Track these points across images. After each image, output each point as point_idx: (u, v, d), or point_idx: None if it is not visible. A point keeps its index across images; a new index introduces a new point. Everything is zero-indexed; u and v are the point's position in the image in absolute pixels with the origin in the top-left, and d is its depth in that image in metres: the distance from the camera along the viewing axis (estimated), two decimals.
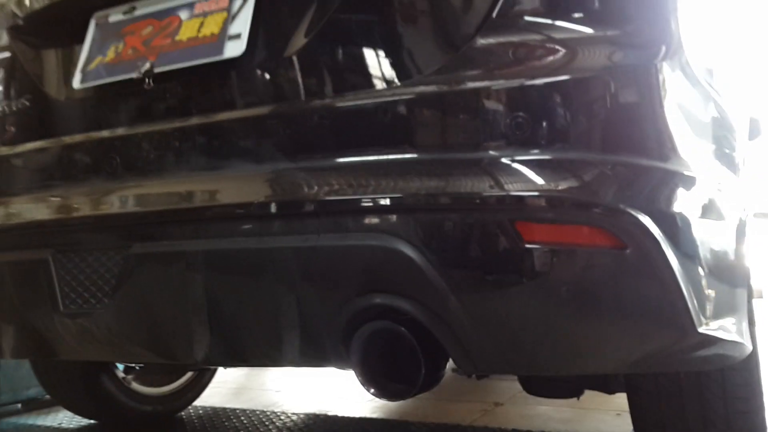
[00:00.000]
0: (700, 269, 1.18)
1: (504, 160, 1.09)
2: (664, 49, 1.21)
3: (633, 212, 1.08)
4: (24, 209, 1.43)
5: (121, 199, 1.30)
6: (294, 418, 2.49)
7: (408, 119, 1.15)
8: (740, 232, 1.36)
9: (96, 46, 1.55)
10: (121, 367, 2.38)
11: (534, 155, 1.09)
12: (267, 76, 1.32)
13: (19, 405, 2.69)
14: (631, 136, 1.14)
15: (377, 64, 1.23)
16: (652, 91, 1.18)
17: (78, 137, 1.46)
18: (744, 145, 1.51)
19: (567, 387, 1.74)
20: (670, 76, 1.21)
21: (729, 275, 1.27)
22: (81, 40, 1.57)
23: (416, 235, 1.07)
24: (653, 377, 1.47)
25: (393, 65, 1.21)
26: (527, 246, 1.05)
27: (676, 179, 1.18)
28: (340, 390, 3.13)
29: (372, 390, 1.13)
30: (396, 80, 1.19)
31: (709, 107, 1.36)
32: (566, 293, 1.08)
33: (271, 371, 3.70)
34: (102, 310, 1.31)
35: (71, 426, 2.45)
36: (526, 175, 1.07)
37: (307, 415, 2.52)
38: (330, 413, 2.54)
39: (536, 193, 1.05)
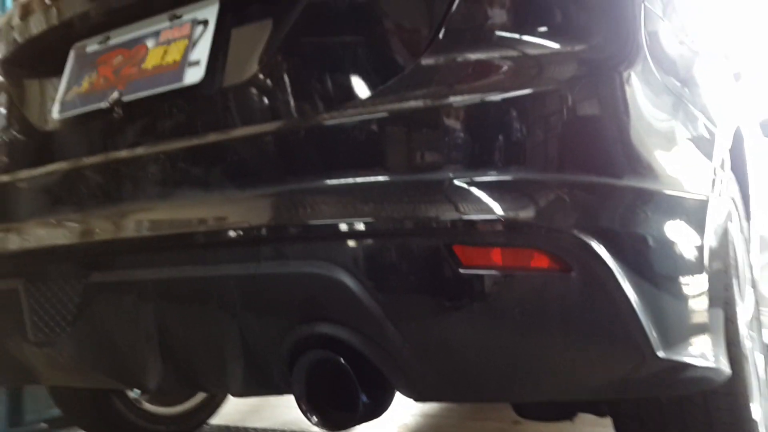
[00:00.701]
0: (659, 291, 1.13)
1: (441, 182, 1.06)
2: (619, 60, 1.17)
3: (577, 233, 1.03)
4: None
5: (81, 229, 1.32)
6: None
7: (346, 143, 1.14)
8: (716, 249, 1.29)
9: (74, 77, 1.59)
10: None
11: (472, 176, 1.05)
12: (221, 102, 1.33)
13: (44, 424, 2.74)
14: (576, 153, 1.10)
15: (321, 87, 1.23)
16: (603, 104, 1.14)
17: (50, 167, 1.50)
18: (722, 153, 1.43)
19: (558, 409, 1.68)
20: (623, 87, 1.16)
21: (698, 297, 1.21)
22: (62, 71, 1.62)
23: (352, 261, 1.05)
24: (633, 401, 1.40)
25: (334, 89, 1.20)
26: (465, 271, 1.02)
27: (630, 195, 1.12)
28: None
29: (314, 419, 1.11)
30: (337, 103, 1.18)
31: (677, 118, 1.30)
32: (508, 318, 1.04)
33: None
34: (65, 338, 1.33)
35: None
36: (463, 198, 1.04)
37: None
38: None
39: (472, 216, 1.02)
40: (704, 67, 1.54)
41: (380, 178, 1.08)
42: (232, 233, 1.13)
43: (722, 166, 1.40)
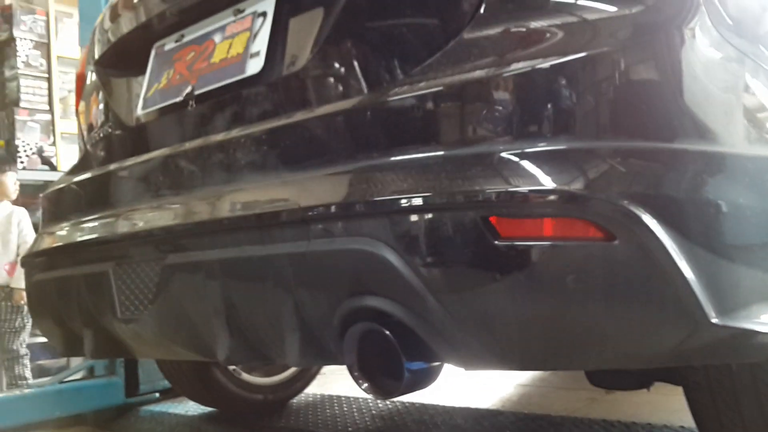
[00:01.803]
0: (715, 257, 1.10)
1: (477, 155, 1.08)
2: (674, 20, 1.14)
3: (619, 200, 1.03)
4: (93, 227, 1.62)
5: (159, 216, 1.44)
6: (389, 405, 2.57)
7: (391, 121, 1.18)
8: None
9: (154, 74, 1.71)
10: None
11: (509, 148, 1.07)
12: (278, 90, 1.40)
13: (157, 394, 2.98)
14: (617, 119, 1.09)
15: (368, 69, 1.28)
16: (650, 61, 1.12)
17: (133, 160, 1.63)
18: None
19: (632, 378, 1.66)
20: (675, 49, 1.14)
21: (759, 262, 1.17)
22: (146, 69, 1.74)
23: (394, 237, 1.09)
24: (703, 370, 1.37)
25: (379, 69, 1.25)
26: (503, 242, 1.04)
27: (682, 159, 1.10)
28: (448, 380, 3.17)
29: (364, 386, 1.17)
30: (383, 83, 1.23)
31: (740, 77, 1.24)
32: (550, 288, 1.05)
33: None
34: (147, 315, 1.46)
35: (196, 413, 2.70)
36: (499, 169, 1.06)
37: (401, 403, 2.59)
38: (421, 402, 2.59)
39: (509, 187, 1.03)
40: None
41: (419, 154, 1.11)
42: (285, 214, 1.20)
43: None
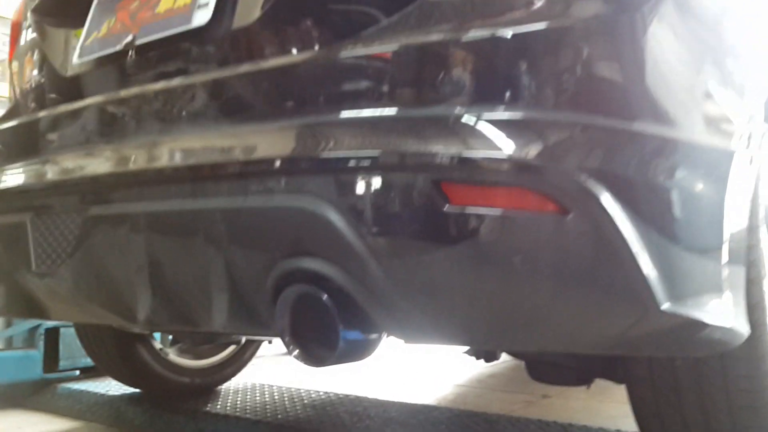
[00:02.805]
0: (668, 242, 1.06)
1: (433, 117, 1.02)
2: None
3: (576, 174, 0.98)
4: (13, 176, 1.50)
5: (83, 164, 1.34)
6: (322, 396, 2.49)
7: (344, 77, 1.11)
8: (740, 205, 1.21)
9: (95, 23, 1.61)
10: (158, 337, 2.46)
11: (467, 112, 1.01)
12: (226, 43, 1.31)
13: (78, 372, 2.83)
14: (581, 92, 1.04)
15: (322, 25, 1.20)
16: (618, 44, 1.07)
17: (62, 109, 1.52)
18: (755, 106, 1.33)
19: (572, 374, 1.62)
20: (640, 29, 1.09)
21: (713, 252, 1.13)
22: (86, 19, 1.63)
23: (337, 196, 1.02)
24: (647, 363, 1.34)
25: (334, 26, 1.18)
26: (452, 209, 0.98)
27: (639, 140, 1.06)
28: (384, 375, 3.12)
29: (295, 353, 1.09)
30: (336, 39, 1.16)
31: (700, 65, 1.21)
32: (499, 260, 0.99)
33: None
34: (65, 270, 1.35)
35: (117, 393, 2.56)
36: (454, 133, 1.00)
37: (335, 394, 2.51)
38: (355, 394, 2.52)
39: (462, 152, 0.97)
40: (740, 18, 1.44)
41: (371, 112, 1.05)
42: (222, 167, 1.12)
43: (753, 120, 1.30)
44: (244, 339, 2.41)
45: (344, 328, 1.04)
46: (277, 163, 1.07)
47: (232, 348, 2.63)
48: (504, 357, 2.17)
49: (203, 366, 2.55)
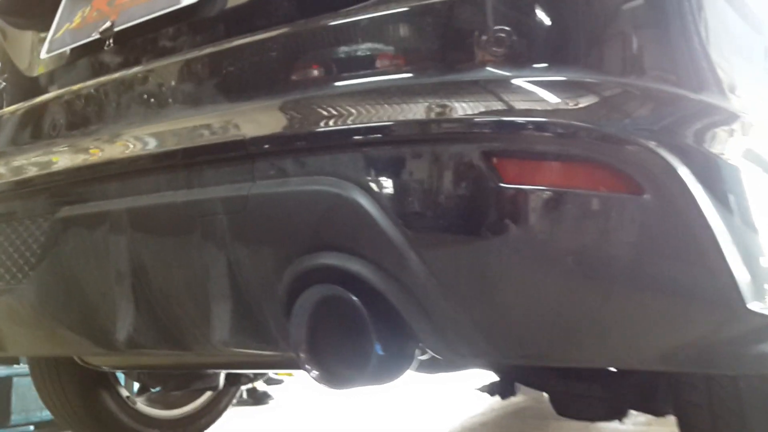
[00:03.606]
0: (753, 232, 0.90)
1: (481, 80, 0.85)
2: None
3: (655, 147, 0.82)
4: None
5: (52, 159, 1.14)
6: None
7: (362, 41, 0.94)
8: None
9: (66, 14, 1.45)
10: (123, 383, 2.22)
11: (522, 74, 0.85)
12: (222, 20, 1.14)
13: (32, 427, 2.55)
14: (657, 56, 0.90)
15: None
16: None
17: (30, 105, 1.32)
18: None
19: (603, 406, 1.44)
20: None
21: None
22: (55, 13, 1.46)
23: (367, 176, 0.85)
24: (705, 387, 1.16)
25: None
26: (507, 188, 0.81)
27: (719, 114, 0.92)
28: (376, 423, 2.90)
29: (314, 373, 0.89)
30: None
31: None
32: (561, 253, 0.82)
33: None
34: (26, 284, 1.13)
35: None
36: (508, 98, 0.84)
37: None
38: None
39: (520, 119, 0.81)
40: None
41: (406, 77, 0.88)
42: (222, 147, 0.94)
43: None
44: (222, 383, 2.17)
45: (378, 340, 0.85)
46: (293, 140, 0.89)
47: (207, 396, 2.38)
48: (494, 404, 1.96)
49: (175, 416, 2.30)
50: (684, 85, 0.91)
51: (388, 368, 0.89)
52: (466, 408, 3.23)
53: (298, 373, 4.41)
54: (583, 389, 1.43)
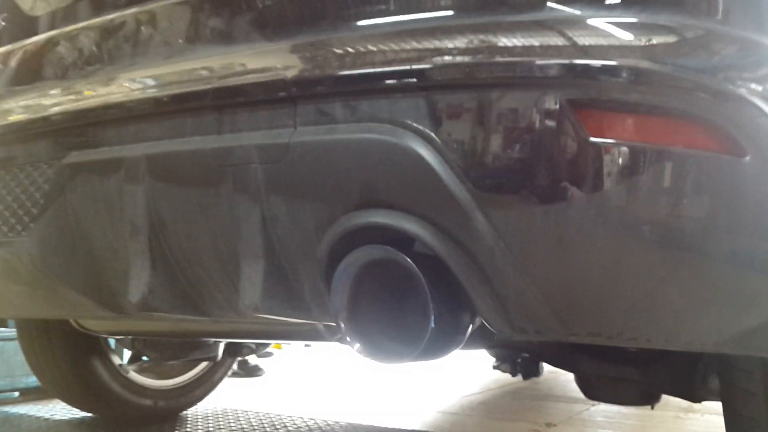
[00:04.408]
0: None
1: (562, 18, 0.75)
2: None
3: (758, 102, 0.72)
4: None
5: (56, 103, 1.01)
6: (305, 424, 2.16)
7: None
8: None
9: None
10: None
11: (611, 14, 0.75)
12: None
13: (17, 393, 2.45)
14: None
15: None
16: None
17: (38, 42, 1.19)
18: None
19: (636, 390, 1.36)
20: None
21: None
22: None
23: (430, 125, 0.74)
24: (762, 374, 1.08)
25: None
26: (592, 143, 0.71)
27: None
28: (369, 397, 2.83)
29: (357, 346, 0.79)
30: None
31: None
32: (649, 221, 0.72)
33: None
34: (26, 237, 1.01)
35: (64, 418, 2.19)
36: (595, 40, 0.73)
37: (324, 422, 2.19)
38: (347, 421, 2.21)
39: (609, 63, 0.71)
40: None
41: (471, 13, 0.77)
42: (259, 88, 0.83)
43: None
44: (220, 354, 2.07)
45: (434, 311, 0.75)
46: (342, 82, 0.78)
47: (202, 366, 2.29)
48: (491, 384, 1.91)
49: (169, 386, 2.21)
50: None
51: (440, 343, 0.79)
52: (464, 386, 3.18)
53: (288, 346, 4.33)
54: (616, 372, 1.35)
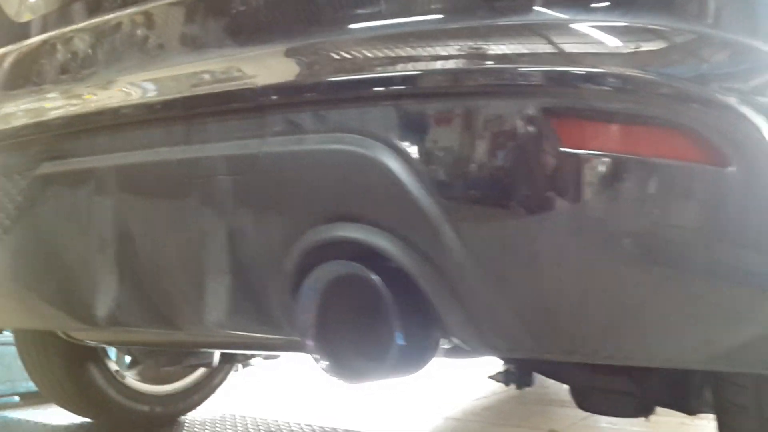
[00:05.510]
0: None
1: (541, 23, 0.73)
2: None
3: (743, 110, 0.70)
4: None
5: (27, 112, 1.00)
6: (306, 430, 2.15)
7: None
8: None
9: None
10: (113, 357, 2.11)
11: (590, 19, 0.72)
12: None
13: (17, 398, 2.45)
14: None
15: None
16: None
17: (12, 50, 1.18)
18: None
19: (630, 403, 1.33)
20: None
21: None
22: None
23: (400, 135, 0.72)
24: (754, 389, 1.05)
25: None
26: (568, 153, 0.69)
27: None
28: (371, 402, 2.81)
29: (324, 364, 0.77)
30: None
31: None
32: (630, 234, 0.70)
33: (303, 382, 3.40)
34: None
35: (62, 423, 2.19)
36: (573, 46, 0.71)
37: (321, 428, 2.18)
38: (344, 428, 2.19)
39: (585, 70, 0.68)
40: None
41: (442, 18, 0.75)
42: (229, 98, 0.81)
43: None
44: (217, 360, 2.06)
45: (400, 328, 0.72)
46: (312, 91, 0.76)
47: (200, 371, 2.28)
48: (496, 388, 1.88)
49: (166, 392, 2.20)
50: None
51: (409, 360, 0.77)
52: (468, 390, 3.15)
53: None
54: (609, 383, 1.32)
